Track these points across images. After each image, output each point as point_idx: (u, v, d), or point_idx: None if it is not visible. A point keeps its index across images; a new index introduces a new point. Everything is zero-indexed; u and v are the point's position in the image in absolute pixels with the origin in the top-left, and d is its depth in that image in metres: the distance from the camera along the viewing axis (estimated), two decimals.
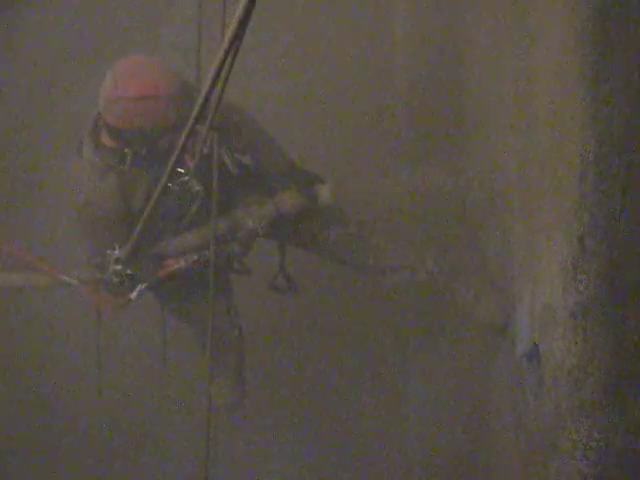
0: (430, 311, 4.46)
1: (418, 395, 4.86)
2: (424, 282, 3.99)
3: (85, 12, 5.38)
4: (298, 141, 4.36)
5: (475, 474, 4.02)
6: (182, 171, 3.59)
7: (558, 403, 2.82)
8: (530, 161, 3.17)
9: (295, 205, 3.75)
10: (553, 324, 2.88)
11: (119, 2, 5.38)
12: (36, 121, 5.39)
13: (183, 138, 2.71)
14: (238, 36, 1.89)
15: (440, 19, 4.56)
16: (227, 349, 4.17)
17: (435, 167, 4.67)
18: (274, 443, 5.14)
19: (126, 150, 3.53)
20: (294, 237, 3.95)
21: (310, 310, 4.98)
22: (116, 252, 3.60)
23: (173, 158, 2.87)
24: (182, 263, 3.69)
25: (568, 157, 2.70)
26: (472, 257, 4.09)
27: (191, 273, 3.71)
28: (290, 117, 5.05)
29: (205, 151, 3.38)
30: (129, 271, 3.62)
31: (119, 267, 3.61)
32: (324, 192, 3.78)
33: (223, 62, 1.98)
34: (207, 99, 2.35)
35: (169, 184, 3.59)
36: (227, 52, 1.95)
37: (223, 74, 2.08)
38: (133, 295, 3.69)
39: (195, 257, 3.70)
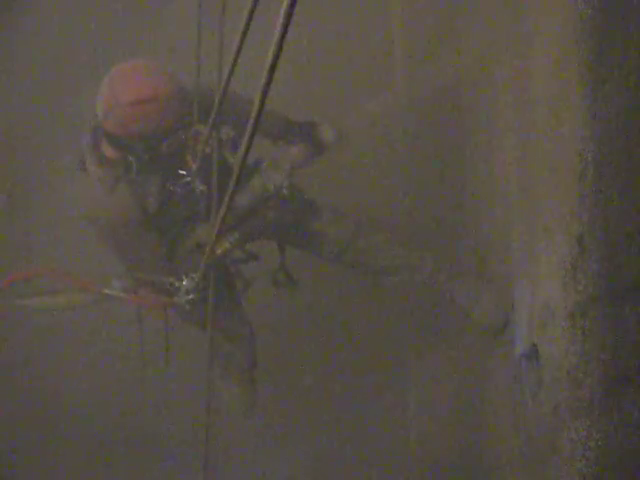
0: (429, 311, 4.45)
1: (418, 395, 4.85)
2: (423, 282, 4.00)
3: (84, 13, 5.38)
4: None
5: (475, 474, 4.02)
6: (184, 173, 3.60)
7: (557, 403, 2.82)
8: (529, 161, 3.17)
9: (307, 154, 3.79)
10: (552, 324, 2.88)
11: (118, 3, 5.38)
12: (36, 122, 5.39)
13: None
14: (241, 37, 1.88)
15: (439, 18, 4.56)
16: (238, 348, 4.18)
17: (435, 167, 4.67)
18: (273, 443, 5.13)
19: (130, 158, 3.53)
20: (293, 237, 3.96)
21: (309, 309, 4.98)
22: (184, 283, 3.64)
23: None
24: (227, 245, 3.70)
25: (567, 157, 2.70)
26: (471, 257, 4.09)
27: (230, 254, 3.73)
28: (289, 115, 5.04)
29: (207, 151, 3.38)
30: (200, 294, 3.65)
31: (191, 296, 3.66)
32: (327, 134, 3.82)
33: (235, 62, 1.99)
34: (221, 101, 2.36)
35: (172, 187, 3.61)
36: (238, 50, 1.96)
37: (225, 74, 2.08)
38: (188, 297, 3.72)
39: (236, 235, 3.72)
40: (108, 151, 3.56)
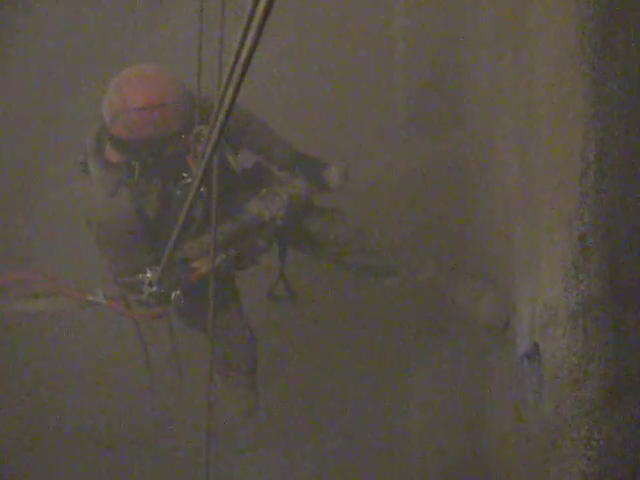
0: (430, 312, 4.45)
1: (419, 395, 4.86)
2: (424, 283, 4.00)
3: (84, 12, 5.38)
4: (298, 140, 4.36)
5: (476, 474, 4.02)
6: (185, 175, 3.60)
7: (559, 402, 2.82)
8: (531, 160, 3.17)
9: (308, 191, 3.79)
10: (554, 324, 2.88)
11: (119, 2, 5.38)
12: (36, 122, 5.39)
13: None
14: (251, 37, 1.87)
15: (440, 18, 4.57)
16: (239, 351, 4.18)
17: (435, 168, 4.67)
18: (274, 444, 5.13)
19: (133, 162, 3.54)
20: (294, 239, 3.96)
21: (309, 310, 4.98)
22: (147, 275, 3.63)
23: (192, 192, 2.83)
24: (210, 264, 3.70)
25: (569, 156, 2.70)
26: (472, 257, 4.09)
27: (219, 272, 3.72)
28: (290, 116, 5.04)
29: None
30: (163, 290, 3.65)
31: (154, 289, 3.64)
32: (333, 175, 3.80)
33: (234, 65, 1.98)
34: (222, 103, 2.36)
35: (172, 189, 3.61)
36: (237, 56, 1.95)
37: (234, 77, 2.08)
38: (171, 301, 3.71)
39: (223, 256, 3.72)
40: (112, 155, 3.57)
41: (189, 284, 3.69)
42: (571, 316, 2.71)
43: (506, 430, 3.53)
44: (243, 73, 1.83)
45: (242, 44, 1.92)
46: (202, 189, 3.60)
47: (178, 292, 3.69)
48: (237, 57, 1.96)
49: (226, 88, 2.15)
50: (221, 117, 2.03)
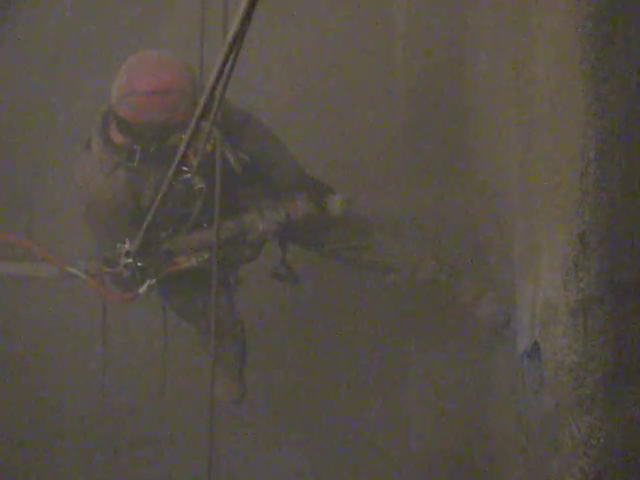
0: (431, 310, 4.45)
1: (419, 393, 4.86)
2: (425, 280, 4.00)
3: (86, 10, 5.38)
4: (298, 140, 4.36)
5: (476, 472, 4.02)
6: (185, 169, 3.60)
7: (559, 401, 2.82)
8: (531, 159, 3.17)
9: (306, 214, 3.79)
10: (554, 322, 2.87)
11: (120, 0, 5.38)
12: (37, 118, 5.38)
13: (187, 136, 2.71)
14: (240, 33, 1.88)
15: (441, 17, 4.57)
16: (229, 345, 4.17)
17: (436, 166, 4.67)
18: (273, 442, 5.13)
19: (135, 146, 3.53)
20: (295, 235, 3.96)
21: (310, 308, 4.98)
22: (126, 245, 3.62)
23: (178, 156, 2.86)
24: (193, 261, 3.71)
25: (569, 154, 2.70)
26: (473, 255, 4.09)
27: (195, 270, 3.73)
28: (291, 116, 5.04)
29: (208, 148, 3.38)
30: (139, 263, 3.64)
31: (130, 260, 3.63)
32: (335, 203, 3.81)
33: (227, 57, 1.98)
34: (212, 95, 2.36)
35: (172, 182, 3.61)
36: (231, 47, 1.95)
37: (226, 70, 2.08)
38: (142, 290, 3.71)
39: (206, 256, 3.72)
40: (116, 135, 3.56)
41: (165, 275, 3.69)
42: (571, 314, 2.71)
43: (506, 428, 3.53)
44: (225, 64, 1.83)
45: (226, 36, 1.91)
46: (202, 185, 3.60)
47: (153, 281, 3.69)
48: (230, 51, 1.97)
49: (226, 85, 2.16)
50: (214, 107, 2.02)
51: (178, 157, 2.87)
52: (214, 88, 2.17)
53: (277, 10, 5.00)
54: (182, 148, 2.81)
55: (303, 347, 5.06)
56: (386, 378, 4.96)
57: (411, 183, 4.93)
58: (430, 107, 4.68)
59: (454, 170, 4.42)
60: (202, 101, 2.26)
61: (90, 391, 5.07)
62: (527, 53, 3.20)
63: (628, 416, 2.38)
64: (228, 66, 2.01)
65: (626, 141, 2.39)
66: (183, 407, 4.99)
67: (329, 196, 3.82)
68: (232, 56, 1.85)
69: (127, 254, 3.62)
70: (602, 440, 2.52)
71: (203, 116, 2.48)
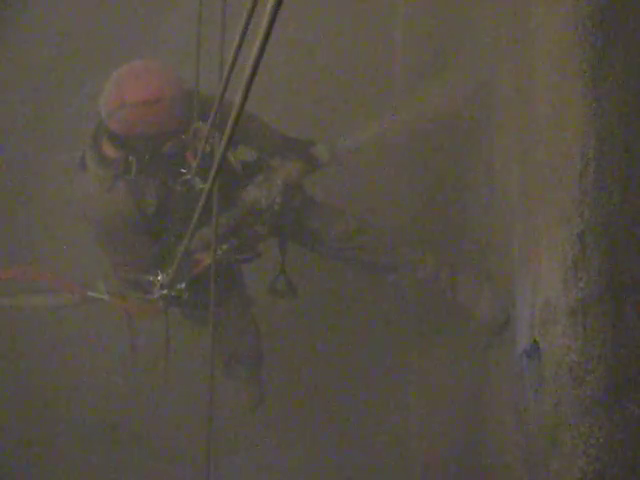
0: (430, 309, 4.46)
1: (418, 392, 4.86)
2: (424, 279, 4.00)
3: (85, 11, 5.38)
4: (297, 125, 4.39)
5: (476, 472, 4.02)
6: (184, 170, 3.60)
7: (558, 400, 2.82)
8: (531, 159, 3.18)
9: (301, 172, 3.84)
10: (553, 321, 2.88)
11: (119, 1, 5.38)
12: (36, 121, 5.39)
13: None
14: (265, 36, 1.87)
15: (440, 16, 4.57)
16: (244, 346, 4.19)
17: (435, 166, 4.67)
18: (273, 442, 5.14)
19: (131, 158, 3.54)
20: (294, 235, 3.96)
21: (309, 307, 4.98)
22: (159, 278, 3.64)
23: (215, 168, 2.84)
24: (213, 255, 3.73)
25: (568, 154, 2.70)
26: (472, 254, 4.09)
27: (229, 262, 3.75)
28: (290, 112, 5.05)
29: (208, 149, 3.39)
30: (174, 293, 3.68)
31: (165, 292, 3.67)
32: (321, 151, 3.88)
33: (233, 62, 1.98)
34: (221, 100, 2.37)
35: (172, 184, 3.62)
36: (237, 52, 1.96)
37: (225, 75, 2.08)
38: (181, 301, 3.74)
39: (225, 247, 3.74)
40: (109, 150, 3.57)
41: (193, 276, 3.70)
42: (571, 313, 2.71)
43: (505, 428, 3.53)
44: (253, 73, 1.83)
45: (240, 45, 1.92)
46: (202, 185, 3.61)
47: (182, 285, 3.71)
48: (235, 56, 1.97)
49: (225, 87, 2.16)
50: (232, 117, 2.02)
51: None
52: (224, 93, 2.17)
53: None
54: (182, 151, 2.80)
55: (301, 347, 5.06)
56: (386, 377, 4.97)
57: (411, 183, 4.94)
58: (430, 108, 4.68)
59: (454, 170, 4.42)
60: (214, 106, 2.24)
61: (90, 391, 5.08)
62: (527, 53, 3.20)
63: (628, 416, 2.38)
64: (227, 71, 2.01)
65: (625, 141, 2.39)
66: (184, 407, 4.99)
67: (314, 148, 3.87)
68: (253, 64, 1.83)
69: (162, 286, 3.65)
70: (601, 440, 2.52)
71: (200, 118, 2.48)
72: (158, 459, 5.13)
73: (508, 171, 3.52)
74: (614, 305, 2.45)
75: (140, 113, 3.41)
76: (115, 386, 5.09)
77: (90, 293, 3.86)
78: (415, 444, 4.90)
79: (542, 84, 3.03)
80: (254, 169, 3.85)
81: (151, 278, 3.66)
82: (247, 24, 1.93)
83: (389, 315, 4.88)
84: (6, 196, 5.34)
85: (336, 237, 3.95)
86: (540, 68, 3.06)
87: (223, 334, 4.09)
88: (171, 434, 5.12)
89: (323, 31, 5.25)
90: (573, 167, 2.66)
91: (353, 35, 5.21)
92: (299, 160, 3.84)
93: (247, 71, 1.82)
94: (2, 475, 5.15)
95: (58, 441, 5.16)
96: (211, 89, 3.10)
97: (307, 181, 3.99)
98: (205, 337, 4.04)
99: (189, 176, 3.59)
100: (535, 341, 3.08)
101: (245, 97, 1.88)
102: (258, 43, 1.73)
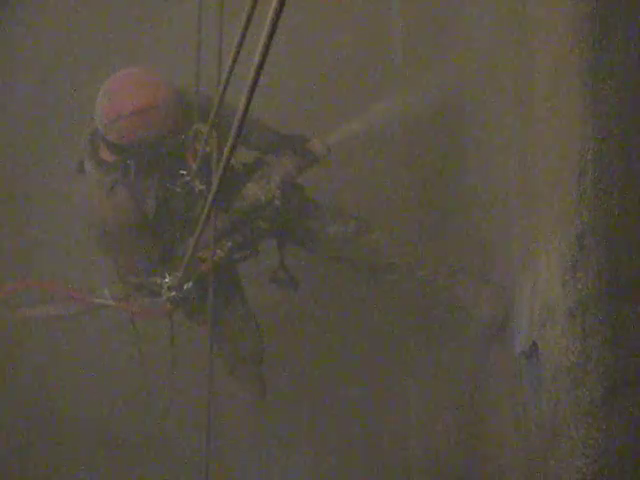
0: (429, 310, 4.46)
1: (417, 393, 4.86)
2: (423, 280, 4.00)
3: (85, 12, 5.38)
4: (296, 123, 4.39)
5: (475, 472, 4.02)
6: (184, 172, 3.62)
7: (557, 401, 2.82)
8: (529, 159, 3.18)
9: (297, 166, 3.84)
10: (552, 322, 2.88)
11: (118, 2, 5.38)
12: (36, 122, 5.39)
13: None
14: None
15: (439, 16, 4.57)
16: (245, 344, 4.20)
17: (435, 166, 4.67)
18: (273, 443, 5.14)
19: (128, 162, 3.55)
20: (293, 235, 3.97)
21: (308, 308, 4.98)
22: (166, 280, 3.65)
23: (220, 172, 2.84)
24: (220, 252, 3.73)
25: (567, 155, 2.70)
26: (471, 255, 4.09)
27: (230, 260, 3.75)
28: (290, 113, 5.04)
29: (207, 150, 3.39)
30: (182, 295, 3.69)
31: (173, 294, 3.68)
32: (316, 145, 3.90)
33: (234, 61, 1.98)
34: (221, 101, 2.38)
35: (172, 186, 3.63)
36: (237, 51, 1.96)
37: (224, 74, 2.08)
38: (182, 292, 3.74)
39: (229, 243, 3.75)
40: (107, 155, 3.59)
41: (200, 275, 3.70)
42: (569, 314, 2.71)
43: (504, 428, 3.53)
44: (257, 74, 1.82)
45: (240, 45, 1.92)
46: (202, 186, 3.62)
47: (190, 284, 3.72)
48: (235, 57, 1.97)
49: (225, 87, 2.16)
50: (237, 120, 2.02)
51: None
52: (223, 94, 2.17)
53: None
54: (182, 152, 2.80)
55: (301, 348, 5.06)
56: (385, 378, 4.96)
57: (411, 182, 4.93)
58: (429, 108, 4.68)
59: (453, 170, 4.42)
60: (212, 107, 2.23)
61: (90, 392, 5.08)
62: (526, 53, 3.20)
63: (626, 416, 2.39)
64: (227, 70, 2.01)
65: (624, 142, 2.40)
66: (185, 407, 5.00)
67: (308, 143, 3.88)
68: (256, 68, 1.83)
69: (169, 289, 3.66)
70: (600, 440, 2.52)
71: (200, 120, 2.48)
72: (158, 459, 5.13)
73: (507, 171, 3.52)
74: (613, 306, 2.45)
75: (137, 122, 3.44)
76: (116, 388, 5.09)
77: (96, 300, 3.88)
78: (415, 443, 4.90)
79: (541, 84, 3.03)
80: (253, 167, 3.86)
81: (158, 281, 3.67)
82: (247, 24, 1.93)
83: (387, 316, 4.88)
84: (6, 194, 5.34)
85: (335, 237, 3.95)
86: (539, 68, 3.06)
87: (225, 334, 4.10)
88: (171, 434, 5.12)
89: (323, 31, 5.25)
90: (572, 168, 2.66)
91: (352, 32, 5.21)
92: (295, 155, 3.85)
93: (250, 74, 1.82)
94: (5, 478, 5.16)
95: (61, 444, 5.17)
96: (211, 89, 3.11)
97: (307, 181, 4.00)
98: (205, 337, 4.05)
99: (189, 178, 3.60)
100: (534, 342, 3.08)
101: (247, 106, 1.88)
102: (260, 48, 1.72)
